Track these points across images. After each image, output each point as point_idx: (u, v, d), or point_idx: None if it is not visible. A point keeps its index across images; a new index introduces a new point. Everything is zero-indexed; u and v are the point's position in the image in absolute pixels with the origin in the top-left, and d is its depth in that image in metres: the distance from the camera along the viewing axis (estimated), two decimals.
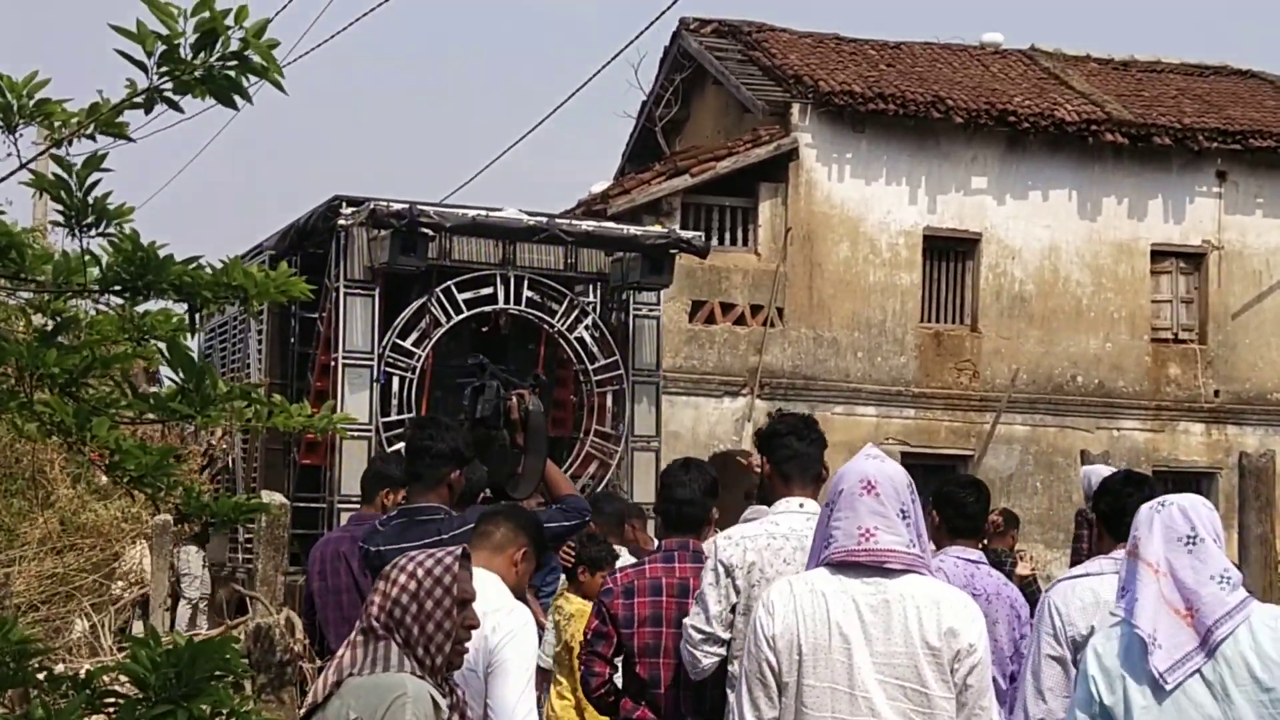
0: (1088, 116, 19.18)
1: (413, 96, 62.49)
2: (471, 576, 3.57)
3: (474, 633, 4.15)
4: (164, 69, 2.98)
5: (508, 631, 4.36)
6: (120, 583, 9.73)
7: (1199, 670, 3.75)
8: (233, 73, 3.00)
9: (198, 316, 3.41)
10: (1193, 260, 19.94)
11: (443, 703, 3.42)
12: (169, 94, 3.05)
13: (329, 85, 63.44)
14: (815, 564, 3.97)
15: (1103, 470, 8.46)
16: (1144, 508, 4.01)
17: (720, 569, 4.71)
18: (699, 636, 4.70)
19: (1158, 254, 19.73)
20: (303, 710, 3.56)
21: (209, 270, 3.22)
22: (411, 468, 4.76)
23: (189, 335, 3.33)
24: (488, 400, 4.81)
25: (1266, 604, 3.93)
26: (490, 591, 4.34)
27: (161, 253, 3.19)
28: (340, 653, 3.50)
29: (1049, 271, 19.33)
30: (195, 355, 3.34)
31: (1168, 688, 3.75)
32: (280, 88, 3.02)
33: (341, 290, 11.06)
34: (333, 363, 11.09)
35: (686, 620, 4.81)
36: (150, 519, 8.91)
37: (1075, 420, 19.09)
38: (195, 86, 3.02)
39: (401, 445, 5.06)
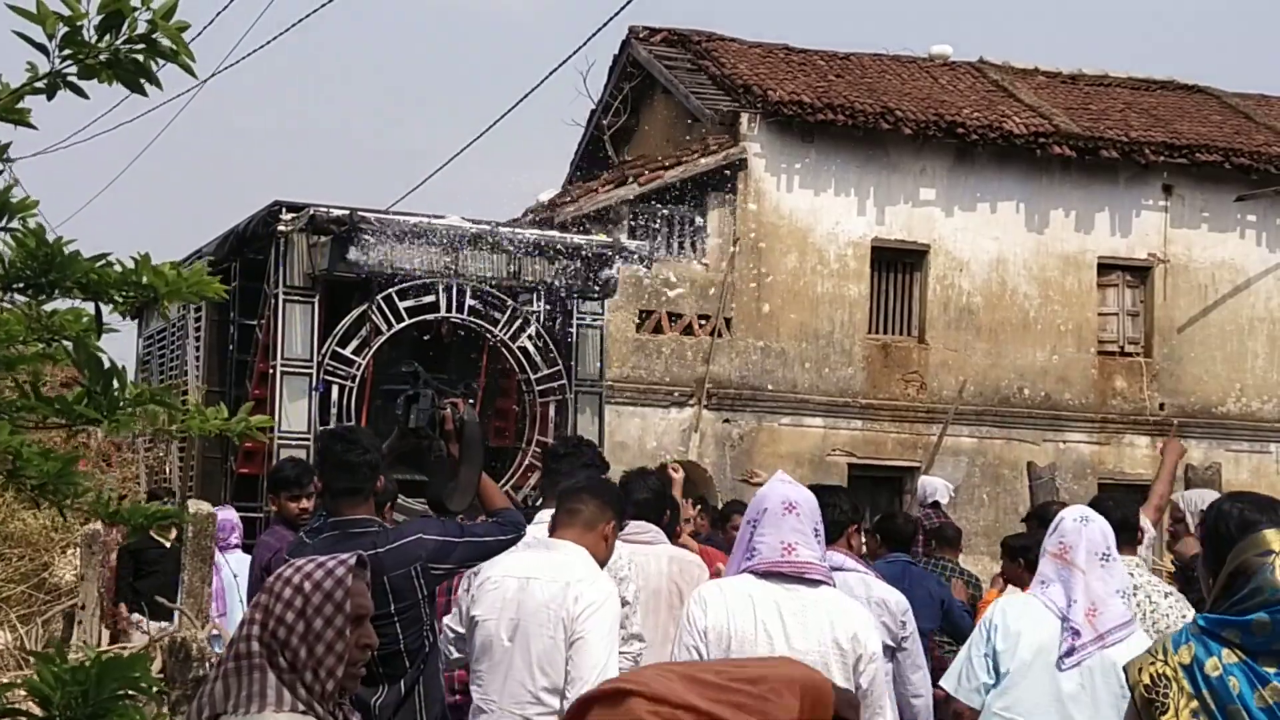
0: (1036, 129, 19.21)
1: (358, 105, 62.13)
2: (367, 589, 3.19)
3: (558, 602, 4.62)
4: (66, 52, 2.82)
5: (589, 603, 4.66)
6: (48, 595, 9.50)
7: (1083, 661, 4.71)
8: (140, 56, 2.84)
9: (141, 318, 3.23)
10: (1139, 273, 20.00)
11: None
12: (73, 79, 2.88)
13: (272, 91, 63.01)
14: (737, 571, 4.52)
15: (938, 483, 8.71)
16: (1069, 519, 4.89)
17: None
18: (452, 635, 5.02)
19: (1104, 267, 19.77)
20: None
21: (118, 268, 3.05)
22: (342, 484, 4.56)
23: (97, 335, 3.15)
24: (422, 410, 4.64)
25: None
26: (575, 563, 4.75)
27: (69, 249, 3.03)
28: (212, 679, 3.10)
29: (996, 283, 19.34)
30: (105, 357, 3.16)
31: (1062, 670, 4.72)
32: (191, 71, 2.86)
33: (281, 297, 10.88)
34: (271, 370, 10.90)
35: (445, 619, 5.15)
36: (80, 527, 8.70)
37: (1022, 433, 19.09)
38: (101, 71, 2.86)
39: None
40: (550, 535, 4.91)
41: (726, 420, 18.24)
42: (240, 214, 11.91)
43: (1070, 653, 4.70)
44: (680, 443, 17.95)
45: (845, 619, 4.39)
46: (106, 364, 3.09)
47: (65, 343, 3.22)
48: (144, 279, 3.03)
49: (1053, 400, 19.37)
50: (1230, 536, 3.57)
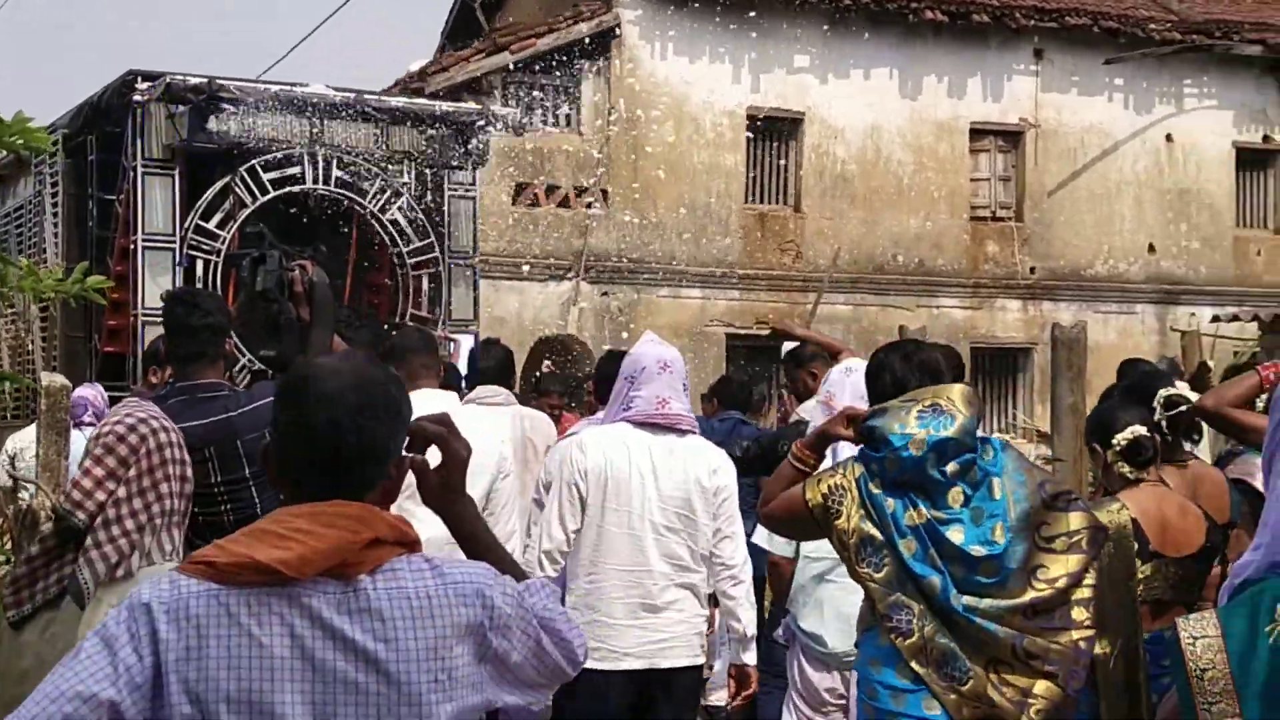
0: None
1: None
2: None
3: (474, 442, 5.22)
4: None
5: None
6: None
7: None
8: None
9: None
10: (1010, 138, 20.15)
11: None
12: None
13: None
14: (613, 420, 5.17)
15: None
16: (835, 371, 5.49)
17: None
18: None
19: (976, 132, 19.89)
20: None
21: None
22: (190, 347, 4.45)
23: None
24: (270, 271, 4.51)
25: None
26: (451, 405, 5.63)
27: None
28: (126, 532, 3.39)
29: (871, 151, 19.38)
30: None
31: None
32: None
33: (139, 170, 10.61)
34: (132, 246, 10.65)
35: None
36: None
37: (896, 299, 19.27)
38: None
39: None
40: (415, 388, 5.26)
41: (605, 293, 18.19)
42: (94, 85, 11.57)
43: None
44: (559, 316, 17.89)
45: (704, 461, 5.14)
46: None
47: None
48: None
49: (926, 266, 19.56)
50: (869, 374, 4.20)
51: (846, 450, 4.84)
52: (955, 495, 3.73)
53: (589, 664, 4.76)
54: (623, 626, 4.99)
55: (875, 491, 3.78)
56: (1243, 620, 2.37)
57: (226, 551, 2.17)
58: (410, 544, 2.24)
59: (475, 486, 5.48)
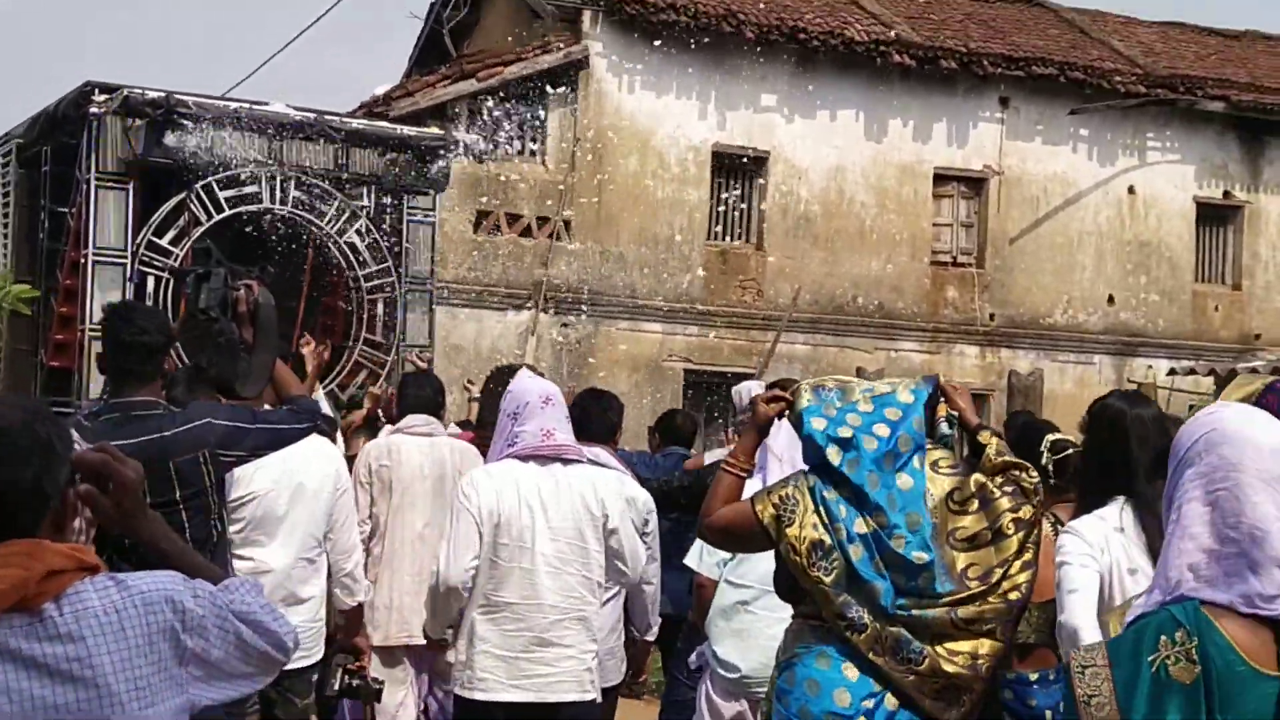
0: (877, 37, 19.17)
1: None
2: None
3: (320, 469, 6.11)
4: None
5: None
6: None
7: None
8: None
9: None
10: (974, 185, 20.18)
11: None
12: None
13: None
14: (500, 457, 5.22)
15: (753, 386, 8.94)
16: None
17: None
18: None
19: (940, 178, 19.91)
20: None
21: None
22: (123, 364, 4.33)
23: None
24: (214, 290, 4.39)
25: None
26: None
27: None
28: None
29: (834, 192, 19.37)
30: None
31: None
32: None
33: (93, 183, 10.48)
34: (82, 260, 10.50)
35: None
36: None
37: (855, 340, 19.23)
38: None
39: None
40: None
41: (564, 324, 18.09)
42: (52, 95, 11.45)
43: None
44: (517, 346, 17.77)
45: (593, 490, 5.22)
46: None
47: None
48: None
49: (886, 309, 19.54)
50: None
51: (782, 462, 5.16)
52: (891, 499, 3.91)
53: (475, 694, 5.09)
54: (510, 659, 5.08)
55: (829, 498, 3.93)
56: (1128, 649, 2.56)
57: None
58: (90, 568, 2.28)
59: (318, 507, 6.02)
